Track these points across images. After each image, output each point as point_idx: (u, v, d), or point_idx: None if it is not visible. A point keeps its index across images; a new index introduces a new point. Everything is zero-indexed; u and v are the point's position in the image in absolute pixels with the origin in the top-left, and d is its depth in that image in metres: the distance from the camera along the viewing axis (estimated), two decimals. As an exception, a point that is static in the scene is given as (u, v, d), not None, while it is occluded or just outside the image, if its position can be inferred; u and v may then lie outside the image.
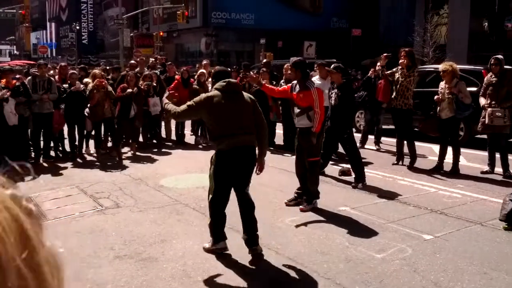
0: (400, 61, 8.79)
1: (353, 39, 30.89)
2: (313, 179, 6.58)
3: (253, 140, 4.93)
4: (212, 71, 5.18)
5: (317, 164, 6.77)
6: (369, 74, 11.02)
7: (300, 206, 6.48)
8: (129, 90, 9.92)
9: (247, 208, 4.90)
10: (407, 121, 8.82)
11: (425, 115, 8.96)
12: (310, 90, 6.27)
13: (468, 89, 8.47)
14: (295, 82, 6.60)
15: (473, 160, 9.40)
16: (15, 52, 75.13)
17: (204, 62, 13.83)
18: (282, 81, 10.81)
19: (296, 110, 6.55)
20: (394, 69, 8.98)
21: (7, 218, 0.37)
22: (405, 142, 8.95)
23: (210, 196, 4.90)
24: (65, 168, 9.09)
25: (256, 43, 35.10)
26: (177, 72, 12.95)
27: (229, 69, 5.93)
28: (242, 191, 4.91)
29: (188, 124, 12.27)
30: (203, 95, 4.98)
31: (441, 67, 8.48)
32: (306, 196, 6.55)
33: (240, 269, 4.58)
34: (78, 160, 9.81)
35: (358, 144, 10.27)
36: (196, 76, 12.01)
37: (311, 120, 6.32)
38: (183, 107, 5.00)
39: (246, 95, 5.05)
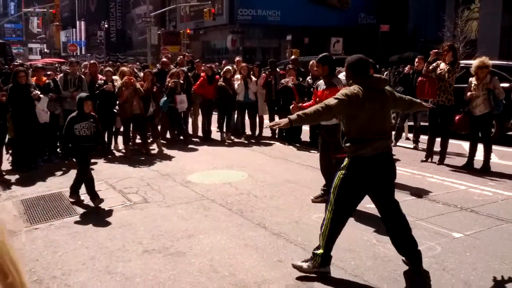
0: (447, 56, 8.55)
1: (381, 35, 30.54)
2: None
3: (390, 145, 4.30)
4: (346, 60, 4.32)
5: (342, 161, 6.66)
6: (405, 71, 10.92)
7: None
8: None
9: (402, 226, 4.17)
10: (448, 117, 8.62)
11: (458, 112, 8.74)
12: (337, 87, 6.14)
13: (500, 85, 8.28)
14: (320, 81, 6.52)
15: (504, 157, 9.19)
16: (46, 50, 76.77)
17: (237, 58, 13.91)
18: (308, 77, 10.77)
19: None
20: (434, 64, 8.74)
21: None
22: (438, 139, 8.81)
23: (330, 214, 4.23)
24: (95, 163, 9.24)
25: (282, 40, 35.07)
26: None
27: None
28: (391, 199, 4.19)
29: (214, 120, 12.34)
30: (345, 90, 4.10)
31: (476, 63, 8.18)
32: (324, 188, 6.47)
33: (266, 265, 4.59)
34: (108, 156, 9.97)
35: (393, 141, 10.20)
36: (222, 73, 12.06)
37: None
38: (330, 101, 4.04)
39: (387, 90, 4.22)
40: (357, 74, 4.17)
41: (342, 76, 9.48)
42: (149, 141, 10.65)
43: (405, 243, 4.17)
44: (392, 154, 4.28)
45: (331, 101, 4.02)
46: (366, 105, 3.96)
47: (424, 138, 10.90)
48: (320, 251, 4.25)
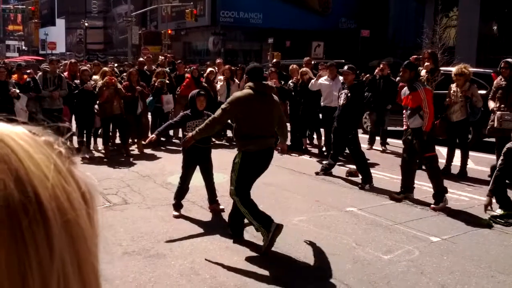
0: (426, 64, 8.65)
1: (362, 40, 30.87)
2: (435, 174, 6.69)
3: (273, 142, 5.22)
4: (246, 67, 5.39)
5: (434, 159, 6.84)
6: (374, 74, 11.04)
7: (432, 205, 6.54)
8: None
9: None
10: None
11: (436, 118, 8.87)
12: (417, 90, 6.52)
13: (478, 92, 8.45)
14: (405, 88, 6.84)
15: (481, 163, 9.37)
16: (24, 47, 75.47)
17: (218, 60, 13.89)
18: (290, 81, 10.83)
19: (407, 112, 6.79)
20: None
21: (42, 158, 0.42)
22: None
23: (233, 188, 5.02)
24: (74, 164, 9.14)
25: (264, 43, 35.15)
26: (186, 70, 13.00)
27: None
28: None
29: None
30: (236, 94, 5.07)
31: (455, 70, 8.32)
32: (435, 194, 6.61)
33: (248, 268, 4.60)
34: (86, 156, 9.86)
35: (366, 145, 10.30)
36: (205, 75, 12.04)
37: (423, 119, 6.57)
38: (219, 112, 4.97)
39: (275, 96, 5.10)
40: (251, 78, 4.98)
41: (323, 79, 9.60)
42: (135, 140, 10.58)
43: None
44: (272, 150, 5.18)
45: (217, 112, 4.96)
46: (253, 104, 4.80)
47: (392, 141, 11.06)
48: (257, 225, 4.91)
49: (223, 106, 4.96)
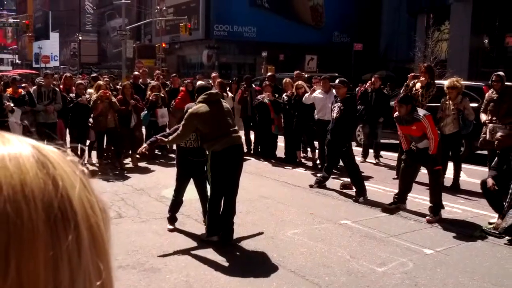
0: (421, 78, 8.53)
1: (355, 53, 31.08)
2: (437, 189, 6.79)
3: (238, 139, 5.76)
4: (195, 86, 6.28)
5: (440, 174, 7.11)
6: (365, 87, 11.12)
7: (427, 217, 6.58)
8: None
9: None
10: None
11: None
12: (420, 121, 6.64)
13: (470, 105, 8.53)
14: (399, 116, 6.92)
15: (473, 175, 9.43)
16: (17, 61, 75.42)
17: (213, 74, 13.93)
18: (284, 94, 10.90)
19: (412, 138, 6.96)
20: (410, 84, 8.66)
21: (70, 171, 0.50)
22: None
23: (210, 193, 5.70)
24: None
25: (258, 56, 35.31)
26: (181, 84, 13.04)
27: (210, 84, 7.40)
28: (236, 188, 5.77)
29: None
30: (189, 111, 5.67)
31: (448, 83, 8.36)
32: (433, 207, 6.66)
33: (242, 281, 4.61)
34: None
35: (360, 158, 10.35)
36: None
37: None
38: (180, 128, 5.70)
39: (224, 103, 5.87)
40: (199, 93, 5.71)
41: (317, 93, 9.67)
42: (129, 152, 10.57)
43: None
44: (241, 144, 5.80)
45: (180, 128, 5.67)
46: (209, 112, 5.47)
47: (385, 154, 11.13)
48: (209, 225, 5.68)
49: (183, 122, 5.68)
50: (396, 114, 7.12)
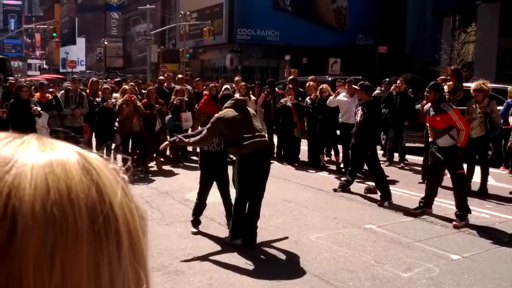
0: (449, 83, 8.42)
1: (379, 56, 30.82)
2: (462, 193, 6.72)
3: (265, 143, 5.83)
4: (219, 94, 6.61)
5: (464, 178, 7.06)
6: (390, 90, 11.02)
7: (454, 223, 6.50)
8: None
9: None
10: None
11: None
12: (447, 113, 6.58)
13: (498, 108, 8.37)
14: (428, 105, 6.92)
15: (501, 180, 9.25)
16: (45, 66, 77.06)
17: (236, 78, 14.02)
18: (308, 98, 10.87)
19: (435, 131, 6.83)
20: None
21: (112, 178, 0.51)
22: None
23: (236, 197, 5.72)
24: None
25: (281, 60, 35.28)
26: (205, 87, 13.13)
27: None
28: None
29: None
30: (216, 115, 5.83)
31: (474, 86, 8.23)
32: (459, 212, 6.59)
33: (266, 285, 4.60)
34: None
35: (385, 162, 10.25)
36: (221, 92, 12.14)
37: (454, 138, 6.63)
38: (205, 131, 5.81)
39: (250, 109, 5.97)
40: (223, 101, 5.89)
41: (342, 96, 9.61)
42: (154, 155, 10.69)
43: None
44: (268, 148, 5.90)
45: (205, 131, 5.79)
46: (236, 117, 5.57)
47: (411, 157, 10.98)
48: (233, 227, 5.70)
49: (208, 125, 5.79)
50: (424, 102, 7.08)
